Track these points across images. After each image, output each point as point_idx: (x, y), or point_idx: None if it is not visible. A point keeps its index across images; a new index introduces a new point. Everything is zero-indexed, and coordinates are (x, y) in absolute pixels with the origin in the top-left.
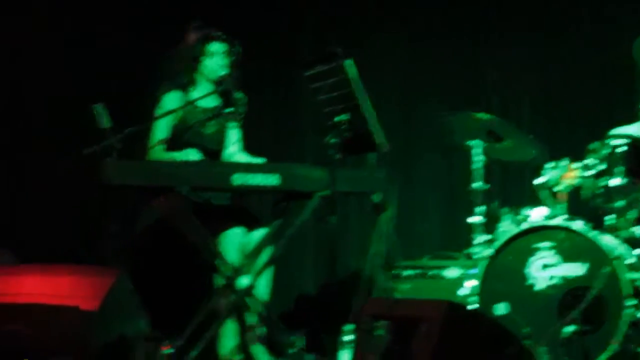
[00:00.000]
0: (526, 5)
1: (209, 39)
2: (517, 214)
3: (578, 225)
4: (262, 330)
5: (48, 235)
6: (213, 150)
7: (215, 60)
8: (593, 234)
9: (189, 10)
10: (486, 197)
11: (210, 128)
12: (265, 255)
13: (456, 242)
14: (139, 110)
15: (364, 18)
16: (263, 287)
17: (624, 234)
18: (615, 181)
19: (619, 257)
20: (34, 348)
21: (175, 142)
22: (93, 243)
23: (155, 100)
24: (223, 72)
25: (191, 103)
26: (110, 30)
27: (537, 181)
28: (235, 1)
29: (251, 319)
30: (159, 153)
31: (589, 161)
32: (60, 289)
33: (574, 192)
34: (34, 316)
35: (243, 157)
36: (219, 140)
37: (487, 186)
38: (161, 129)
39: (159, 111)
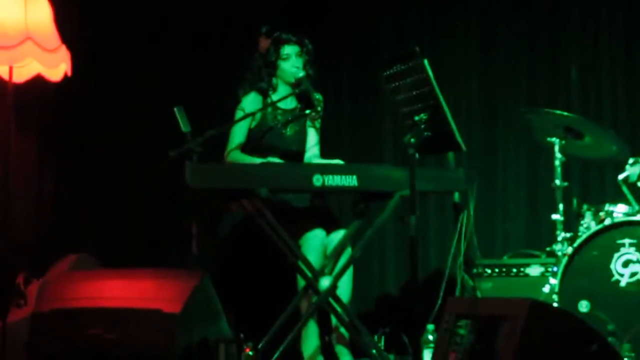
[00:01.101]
0: (606, 1)
1: (280, 42)
2: (598, 210)
3: None
4: (344, 331)
5: (129, 238)
6: (293, 151)
7: (290, 62)
8: None
9: (267, 13)
10: (567, 194)
11: (291, 129)
12: (346, 256)
13: (539, 240)
14: (219, 113)
15: (440, 16)
16: (344, 287)
17: None
18: None
19: None
20: (116, 352)
21: (256, 144)
22: (176, 246)
23: (235, 102)
24: (300, 74)
25: (270, 105)
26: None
27: (619, 177)
28: (312, 3)
29: (334, 319)
30: (236, 155)
31: None
32: (142, 292)
33: None
34: (116, 320)
35: (320, 162)
36: (299, 141)
37: (566, 184)
38: (239, 131)
39: (238, 113)
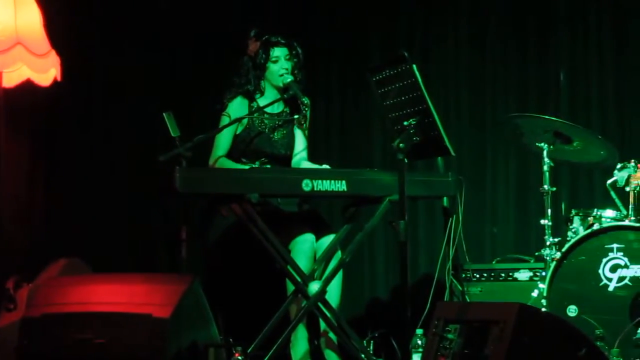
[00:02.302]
0: (595, 5)
1: (270, 45)
2: (587, 215)
3: None
4: (333, 336)
5: (119, 243)
6: (282, 155)
7: (279, 65)
8: None
9: (258, 18)
10: (556, 199)
11: (278, 133)
12: (336, 260)
13: (528, 245)
14: (209, 118)
15: (430, 21)
16: (333, 292)
17: None
18: None
19: None
20: (106, 356)
21: (244, 148)
22: (166, 251)
23: (221, 108)
24: (288, 79)
25: (258, 110)
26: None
27: (607, 182)
28: (301, 7)
29: (323, 324)
30: (224, 162)
31: None
32: (132, 297)
33: None
34: (106, 324)
35: (308, 165)
36: (287, 145)
37: (554, 188)
38: (225, 138)
39: (223, 119)
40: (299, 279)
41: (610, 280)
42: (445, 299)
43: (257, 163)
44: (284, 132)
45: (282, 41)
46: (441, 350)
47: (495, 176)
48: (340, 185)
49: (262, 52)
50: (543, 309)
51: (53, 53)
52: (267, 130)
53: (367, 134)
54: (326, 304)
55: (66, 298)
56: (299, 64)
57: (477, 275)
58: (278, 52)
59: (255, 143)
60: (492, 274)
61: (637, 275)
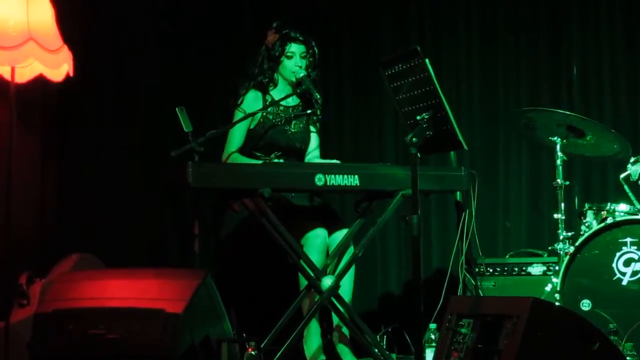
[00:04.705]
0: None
1: (287, 39)
2: (600, 209)
3: None
4: (345, 330)
5: (132, 238)
6: (297, 148)
7: (294, 61)
8: None
9: (270, 12)
10: (569, 193)
11: (295, 127)
12: (348, 255)
13: (541, 239)
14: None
15: (442, 15)
16: (345, 286)
17: None
18: None
19: None
20: (119, 351)
21: (258, 141)
22: (178, 246)
23: (234, 102)
24: (301, 73)
25: (272, 104)
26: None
27: (620, 176)
28: (315, 2)
29: (336, 319)
30: (236, 158)
31: None
32: (145, 292)
33: None
34: (118, 320)
35: (319, 161)
36: (302, 138)
37: (567, 182)
38: (238, 133)
39: (237, 114)
40: (311, 274)
41: (623, 274)
42: (458, 294)
43: (272, 156)
44: (300, 125)
45: (300, 38)
46: (454, 345)
47: (508, 170)
48: (353, 180)
49: (279, 45)
50: (556, 304)
51: (65, 48)
52: (282, 122)
53: (380, 129)
54: (339, 298)
55: (79, 293)
56: (314, 63)
57: (491, 270)
58: (294, 48)
59: (269, 135)
60: (506, 268)
61: None
